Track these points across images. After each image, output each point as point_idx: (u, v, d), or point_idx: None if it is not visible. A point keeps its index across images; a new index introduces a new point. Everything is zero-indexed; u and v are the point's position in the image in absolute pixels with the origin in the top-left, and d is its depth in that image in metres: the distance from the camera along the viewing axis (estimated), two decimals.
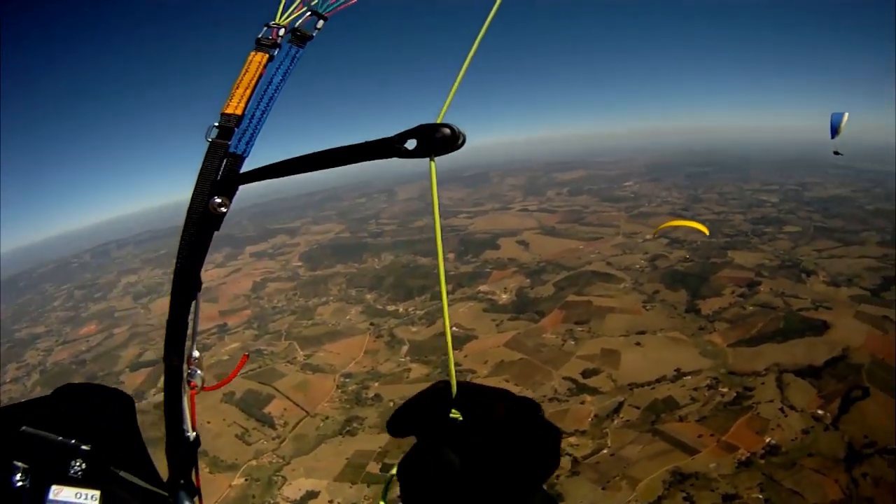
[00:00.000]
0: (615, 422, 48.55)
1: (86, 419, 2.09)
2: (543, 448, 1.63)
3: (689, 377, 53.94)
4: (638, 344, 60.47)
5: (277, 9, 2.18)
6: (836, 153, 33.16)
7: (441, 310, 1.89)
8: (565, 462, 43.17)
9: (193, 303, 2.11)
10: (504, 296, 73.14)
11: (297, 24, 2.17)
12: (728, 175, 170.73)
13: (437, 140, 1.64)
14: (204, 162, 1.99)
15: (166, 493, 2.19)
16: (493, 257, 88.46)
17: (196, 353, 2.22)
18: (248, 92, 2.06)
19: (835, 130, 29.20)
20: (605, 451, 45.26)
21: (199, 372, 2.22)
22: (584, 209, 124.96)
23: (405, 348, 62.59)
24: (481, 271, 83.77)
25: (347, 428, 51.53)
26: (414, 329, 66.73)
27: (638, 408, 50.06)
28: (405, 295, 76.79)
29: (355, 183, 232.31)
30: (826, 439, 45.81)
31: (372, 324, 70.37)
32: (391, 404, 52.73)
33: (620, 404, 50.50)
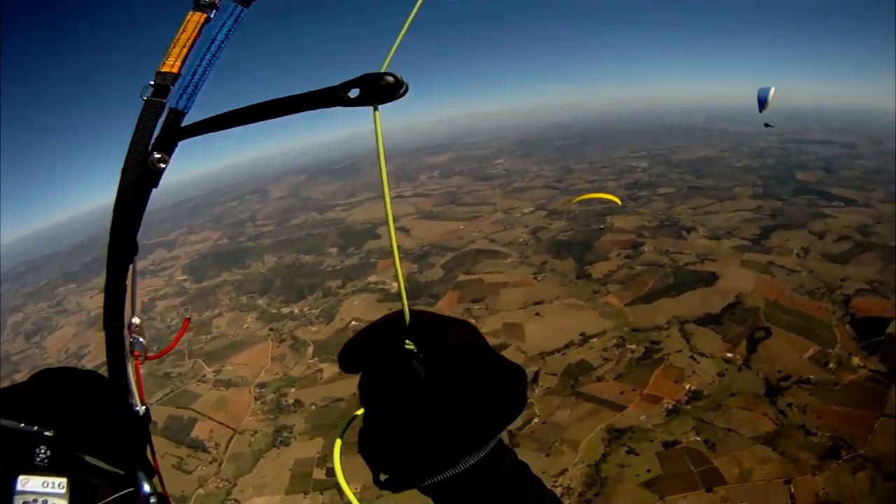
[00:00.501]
0: (536, 391, 48.49)
1: (62, 404, 2.06)
2: (507, 385, 1.70)
3: (596, 339, 55.00)
4: (537, 314, 61.09)
5: None
6: (767, 125, 35.52)
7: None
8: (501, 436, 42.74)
9: (131, 267, 2.05)
10: (395, 284, 71.43)
11: None
12: (596, 145, 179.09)
13: (381, 88, 1.65)
14: (139, 120, 1.96)
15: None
16: (375, 247, 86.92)
17: (136, 320, 2.14)
18: (185, 51, 2.05)
19: (763, 104, 29.99)
20: (536, 420, 45.08)
21: (141, 340, 2.15)
22: (458, 190, 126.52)
23: (310, 349, 60.98)
24: (367, 262, 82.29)
25: (279, 438, 49.85)
26: (314, 329, 65.10)
27: (555, 374, 50.23)
28: (297, 295, 74.71)
29: (226, 186, 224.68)
30: (742, 378, 47.89)
31: (271, 329, 68.06)
32: (313, 408, 51.92)
33: (537, 373, 50.43)
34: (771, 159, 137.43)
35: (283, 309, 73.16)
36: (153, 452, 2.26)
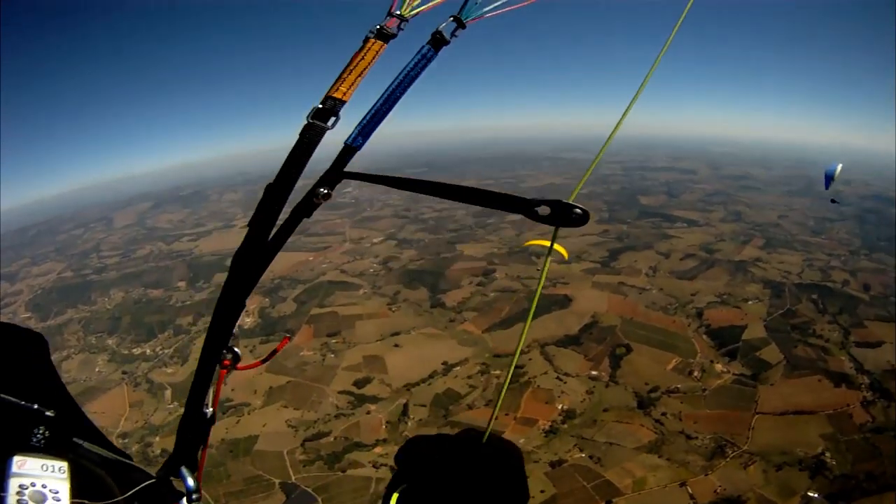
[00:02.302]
0: (409, 424, 47.85)
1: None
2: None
3: (459, 367, 55.09)
4: (397, 346, 60.52)
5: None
6: (834, 201, 40.16)
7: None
8: (386, 475, 41.43)
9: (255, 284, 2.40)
10: (248, 319, 68.45)
11: (441, 27, 2.22)
12: (445, 174, 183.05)
13: (572, 217, 1.97)
14: (300, 141, 2.19)
15: (129, 460, 2.35)
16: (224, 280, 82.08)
17: (236, 331, 2.42)
18: (360, 80, 2.15)
19: (829, 181, 30.86)
20: None
21: (236, 350, 2.45)
22: (308, 220, 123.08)
23: (168, 393, 56.88)
24: (216, 297, 77.45)
25: None
26: (169, 370, 60.73)
27: (424, 405, 49.74)
28: (147, 334, 69.57)
29: (70, 212, 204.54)
30: (612, 394, 49.81)
31: (124, 372, 62.78)
32: None
33: (406, 406, 49.78)
34: (616, 185, 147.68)
35: (135, 349, 67.73)
36: (205, 450, 2.46)
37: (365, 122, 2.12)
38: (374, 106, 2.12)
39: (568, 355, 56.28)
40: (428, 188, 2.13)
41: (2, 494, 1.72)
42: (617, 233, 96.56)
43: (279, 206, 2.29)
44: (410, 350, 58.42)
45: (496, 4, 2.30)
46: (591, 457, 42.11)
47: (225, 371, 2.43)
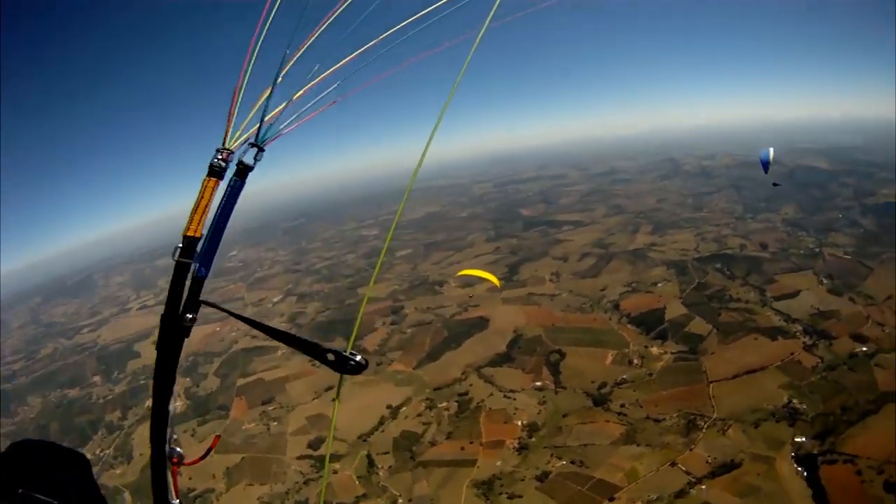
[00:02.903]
0: (381, 474, 47.17)
1: (46, 476, 2.51)
2: None
3: (405, 408, 55.42)
4: (334, 399, 58.39)
5: (226, 133, 2.71)
6: (775, 184, 43.65)
7: None
8: None
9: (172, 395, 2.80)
10: (178, 403, 63.60)
11: (242, 157, 2.71)
12: (324, 221, 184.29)
13: (350, 366, 2.67)
14: (173, 279, 2.65)
15: None
16: (139, 366, 78.98)
17: (175, 436, 2.89)
18: (204, 216, 2.60)
19: (766, 165, 32.21)
20: (401, 501, 43.83)
21: (178, 449, 2.88)
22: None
23: (127, 496, 53.20)
24: (137, 385, 73.90)
25: None
26: (118, 472, 56.89)
27: (387, 452, 49.38)
28: (81, 438, 64.54)
29: None
30: (564, 399, 51.54)
31: None
32: None
33: (369, 457, 49.16)
34: (493, 203, 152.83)
35: None
36: None
37: (203, 253, 2.63)
38: (205, 238, 2.62)
39: (506, 373, 57.63)
40: (258, 327, 2.93)
41: None
42: (509, 248, 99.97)
43: (176, 327, 2.75)
44: (350, 402, 57.18)
45: (289, 121, 2.87)
46: (573, 462, 43.12)
47: (176, 468, 2.87)
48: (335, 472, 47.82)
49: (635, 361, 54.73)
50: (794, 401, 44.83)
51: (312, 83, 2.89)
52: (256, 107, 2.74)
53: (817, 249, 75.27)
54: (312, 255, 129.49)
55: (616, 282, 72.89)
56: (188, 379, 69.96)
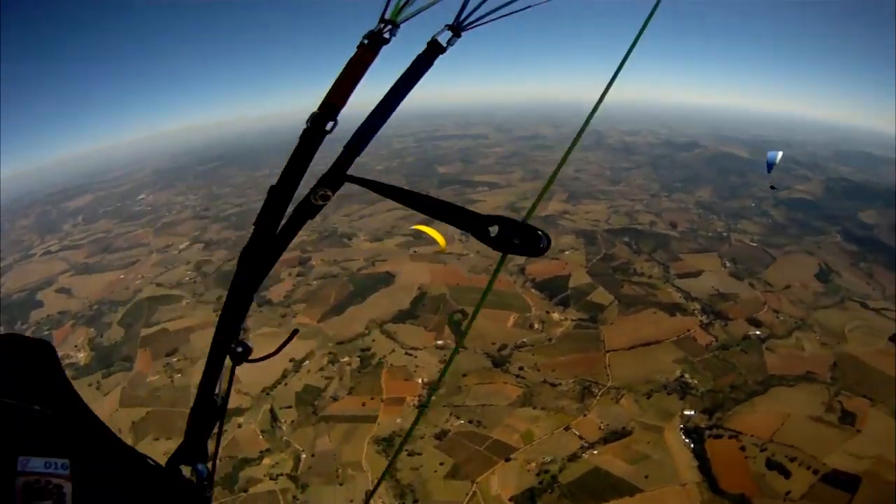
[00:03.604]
0: (284, 427, 47.39)
1: (7, 370, 2.32)
2: None
3: (308, 362, 55.51)
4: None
5: (387, 3, 2.40)
6: (773, 188, 45.98)
7: None
8: (287, 484, 41.98)
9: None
10: (81, 354, 63.36)
11: (437, 35, 2.45)
12: (238, 167, 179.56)
13: (516, 244, 2.23)
14: (300, 144, 2.40)
15: (141, 453, 2.38)
16: (42, 316, 75.44)
17: (244, 326, 2.67)
18: (355, 86, 2.39)
19: (771, 166, 32.28)
20: (305, 456, 44.13)
21: (247, 343, 2.69)
22: (107, 235, 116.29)
23: None
24: (40, 335, 69.01)
25: None
26: None
27: (290, 406, 49.61)
28: None
29: None
30: (465, 359, 52.45)
31: None
32: None
33: (272, 411, 49.26)
34: (411, 158, 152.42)
35: None
36: (218, 441, 2.67)
37: (365, 130, 2.43)
38: (372, 112, 2.42)
39: (408, 330, 58.65)
40: (406, 199, 2.47)
41: (10, 493, 1.90)
42: None
43: (283, 206, 2.44)
44: (252, 354, 57.05)
45: (493, 9, 2.50)
46: (470, 421, 44.52)
47: (235, 364, 2.68)
48: (239, 426, 47.52)
49: (536, 326, 56.60)
50: (686, 375, 47.79)
51: None
52: None
53: (725, 234, 79.97)
54: (223, 200, 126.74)
55: None
56: (92, 329, 67.94)
